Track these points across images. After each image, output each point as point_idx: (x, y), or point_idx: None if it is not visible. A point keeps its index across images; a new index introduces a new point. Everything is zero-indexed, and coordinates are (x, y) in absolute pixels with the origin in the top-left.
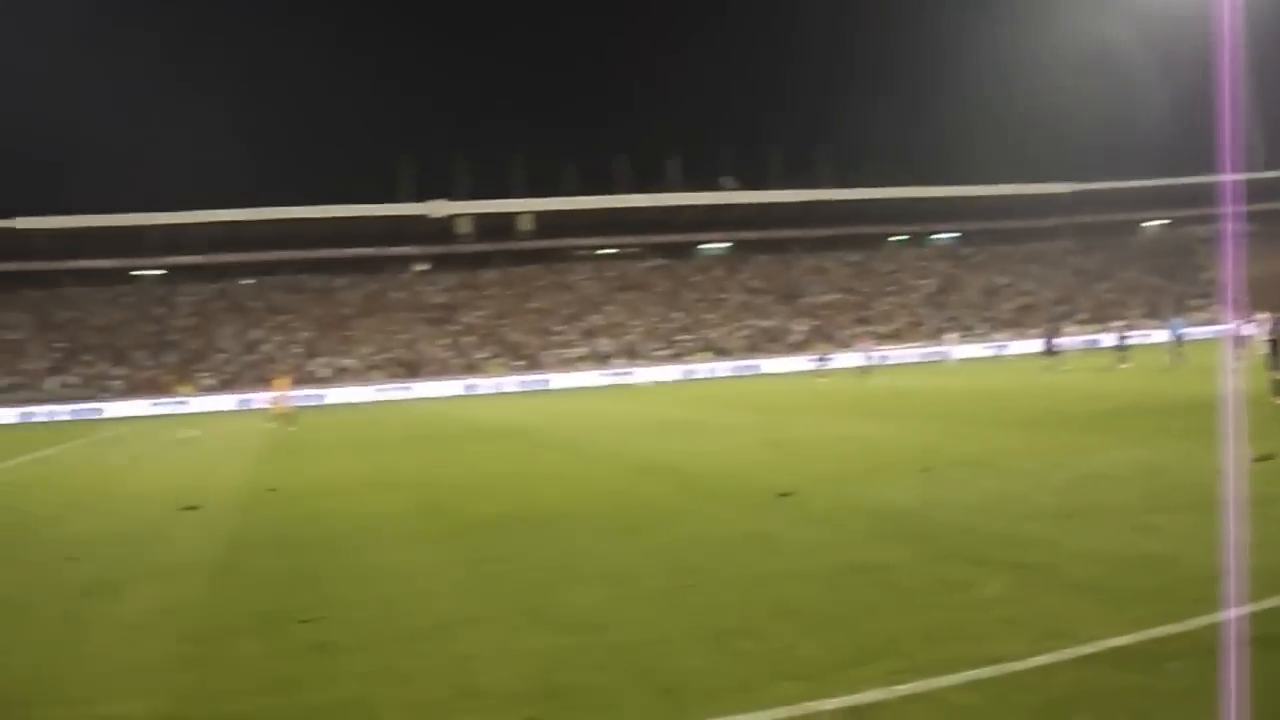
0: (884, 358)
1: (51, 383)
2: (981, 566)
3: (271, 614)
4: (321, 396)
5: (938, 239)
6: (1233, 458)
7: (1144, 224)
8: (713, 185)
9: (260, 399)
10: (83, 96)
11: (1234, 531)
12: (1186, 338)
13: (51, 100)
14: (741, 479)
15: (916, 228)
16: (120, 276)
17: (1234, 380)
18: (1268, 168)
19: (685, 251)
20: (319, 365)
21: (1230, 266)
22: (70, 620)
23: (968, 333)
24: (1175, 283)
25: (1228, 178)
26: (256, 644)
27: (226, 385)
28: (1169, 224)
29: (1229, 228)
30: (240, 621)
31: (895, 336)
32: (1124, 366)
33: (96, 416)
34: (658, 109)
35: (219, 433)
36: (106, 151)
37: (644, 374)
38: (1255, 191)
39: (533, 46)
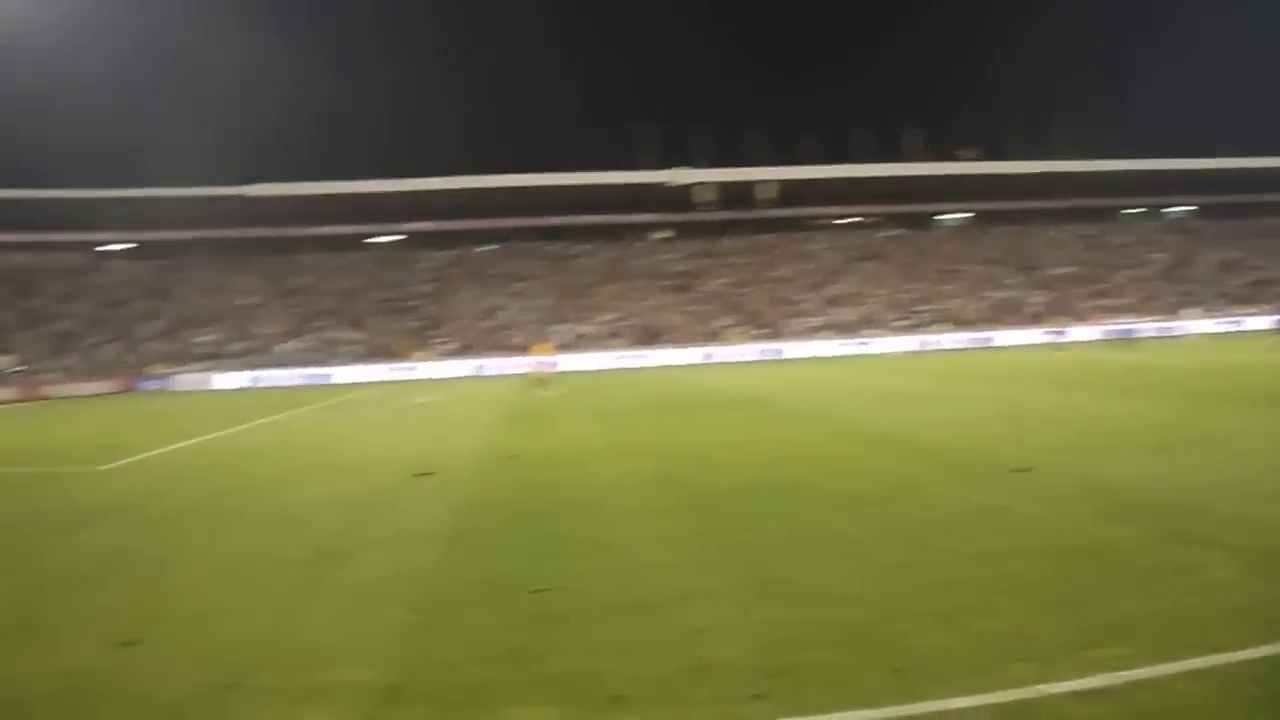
0: (1127, 331)
1: (285, 347)
2: (1212, 549)
3: (502, 583)
4: (557, 364)
5: (1172, 212)
6: None
7: None
8: (952, 155)
9: (516, 364)
10: (315, 65)
11: None
12: None
13: (287, 69)
14: (975, 452)
15: (1152, 200)
16: (355, 243)
17: None
18: None
19: (923, 221)
20: (558, 332)
21: None
22: (298, 586)
23: (1205, 308)
24: None
25: None
26: (486, 613)
27: (463, 351)
28: None
29: None
30: (470, 590)
31: (1129, 310)
32: None
33: (329, 381)
34: (897, 78)
35: (455, 398)
36: (338, 120)
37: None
38: None
39: (775, 14)
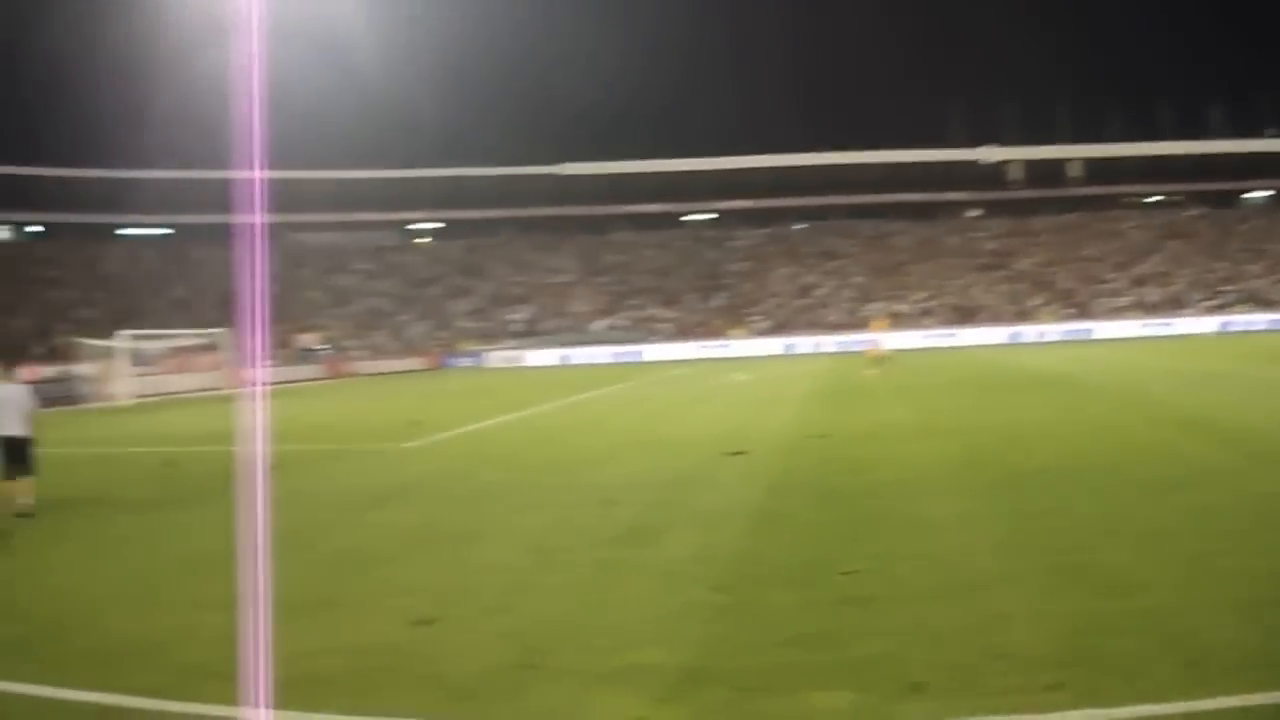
0: None
1: (598, 325)
2: None
3: (809, 564)
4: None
5: None
6: None
7: None
8: (1258, 133)
9: (830, 342)
10: (624, 43)
11: None
12: None
13: (597, 47)
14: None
15: None
16: (668, 220)
17: None
18: None
19: (1229, 200)
20: (872, 310)
21: None
22: (602, 566)
23: None
24: None
25: None
26: (791, 595)
27: (778, 329)
28: None
29: None
30: (776, 572)
31: None
32: None
33: (641, 359)
34: (1200, 54)
35: (767, 377)
36: (652, 100)
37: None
38: None
39: None
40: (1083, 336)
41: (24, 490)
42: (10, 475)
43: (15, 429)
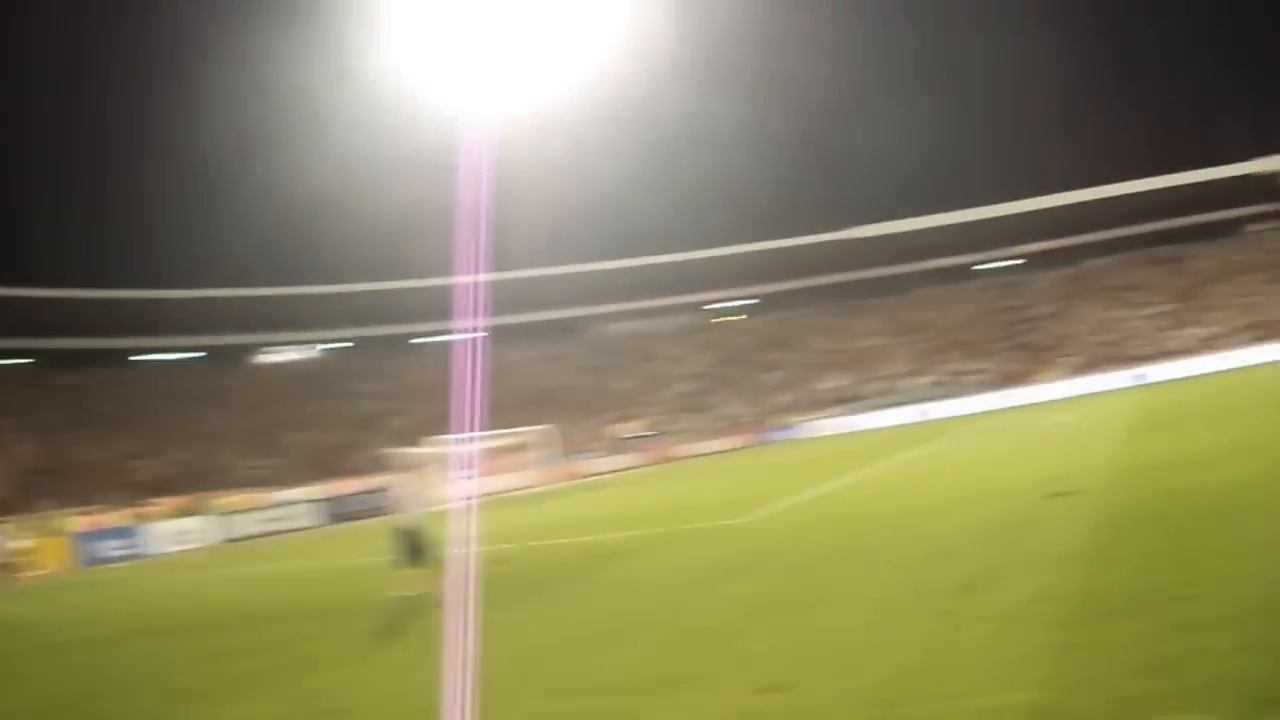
0: None
1: (912, 384)
2: None
3: (1147, 593)
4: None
5: None
6: None
7: None
8: None
9: (1141, 374)
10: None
11: None
12: None
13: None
14: None
15: None
16: (966, 272)
17: None
18: None
19: None
20: (1176, 337)
21: None
22: (944, 616)
23: None
24: None
25: None
26: (1133, 625)
27: (1087, 367)
28: None
29: None
30: (1114, 604)
31: None
32: None
33: (959, 412)
34: None
35: (1085, 416)
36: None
37: None
38: None
39: None
40: None
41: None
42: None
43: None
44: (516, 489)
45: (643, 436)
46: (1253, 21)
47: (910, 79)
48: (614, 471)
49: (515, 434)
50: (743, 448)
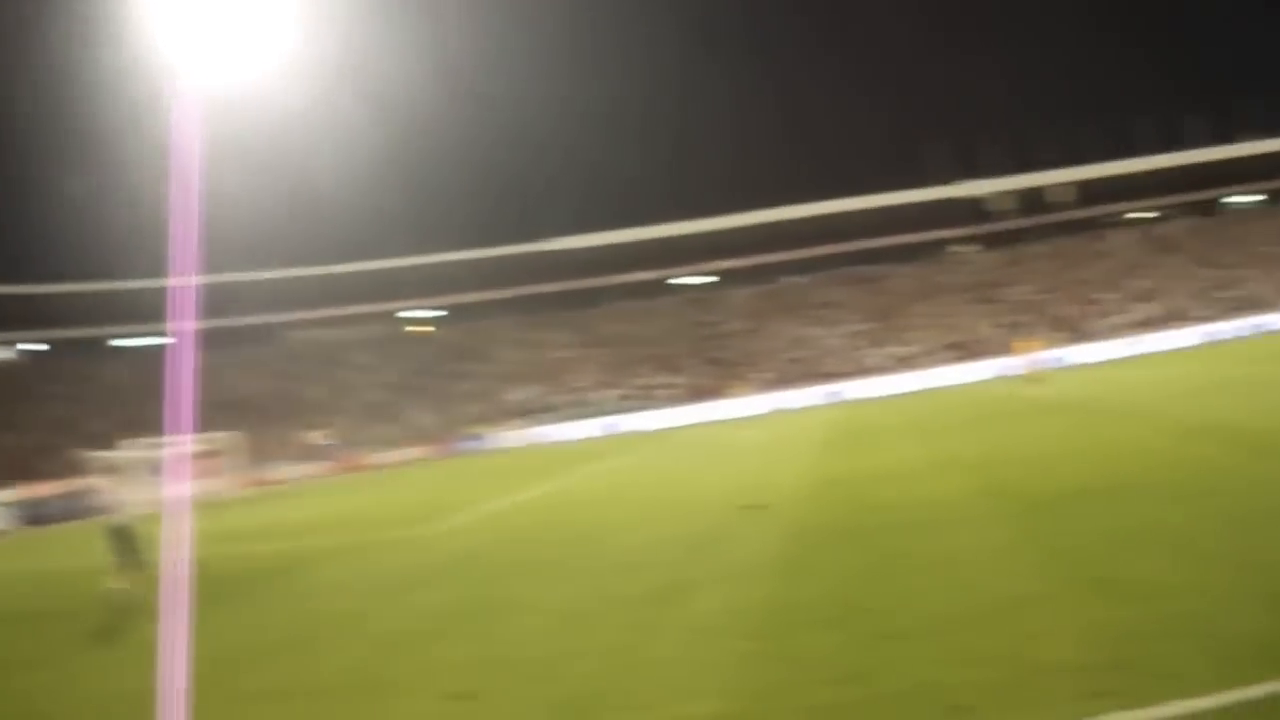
0: None
1: (602, 397)
2: None
3: (839, 605)
4: (871, 386)
5: None
6: None
7: None
8: (1237, 138)
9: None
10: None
11: None
12: None
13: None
14: None
15: None
16: (661, 287)
17: None
18: None
19: (1215, 207)
20: (873, 355)
21: None
22: (634, 627)
23: None
24: None
25: None
26: (825, 636)
27: (779, 383)
28: None
29: None
30: (808, 615)
31: None
32: None
33: (650, 426)
34: (1175, 66)
35: (777, 430)
36: (634, 166)
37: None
38: None
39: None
40: (1088, 360)
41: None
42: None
43: None
44: (206, 495)
45: (331, 445)
46: (961, 48)
47: (609, 93)
48: (303, 479)
49: (204, 440)
50: (432, 458)
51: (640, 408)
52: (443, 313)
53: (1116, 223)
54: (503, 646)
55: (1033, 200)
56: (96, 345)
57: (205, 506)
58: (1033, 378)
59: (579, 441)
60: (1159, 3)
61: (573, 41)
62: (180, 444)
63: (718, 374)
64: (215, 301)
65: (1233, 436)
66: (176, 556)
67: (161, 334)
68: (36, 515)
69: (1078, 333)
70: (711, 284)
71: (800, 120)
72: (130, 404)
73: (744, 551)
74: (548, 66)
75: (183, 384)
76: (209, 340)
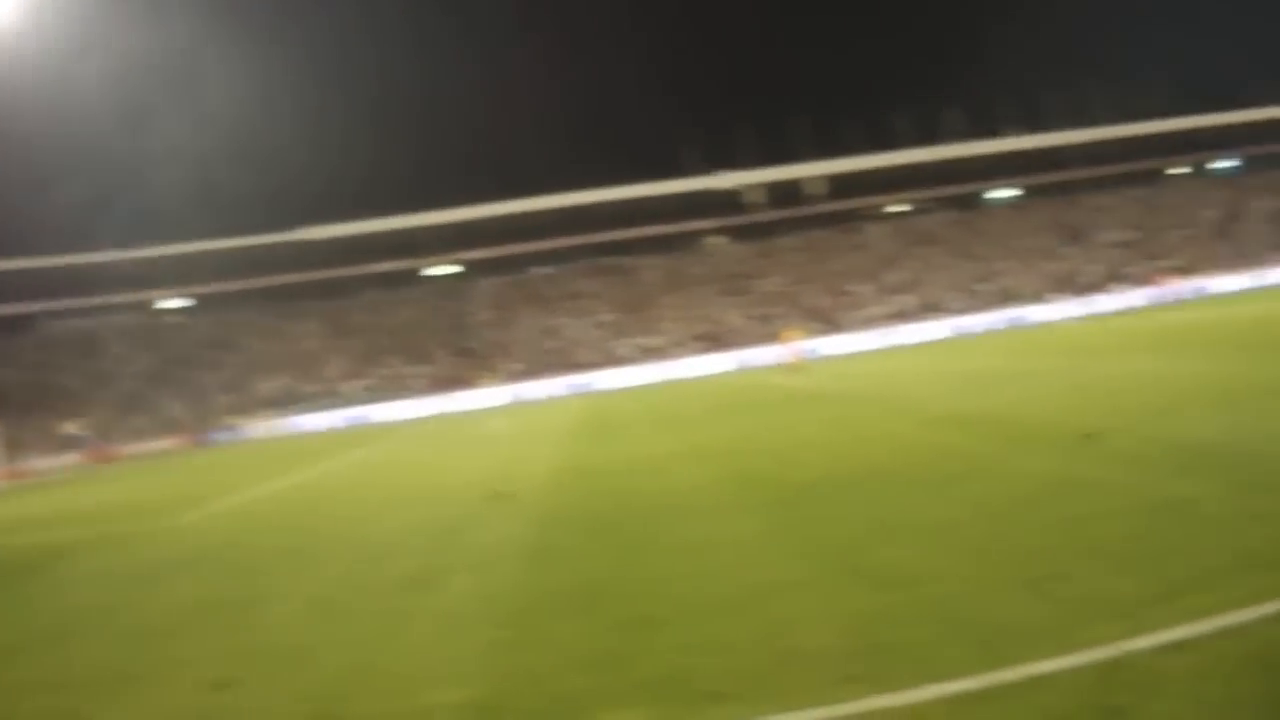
0: (1182, 291)
1: (352, 387)
2: None
3: (589, 592)
4: (623, 377)
5: (1220, 167)
6: None
7: None
8: (996, 133)
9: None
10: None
11: None
12: None
13: (327, 108)
14: (1047, 424)
15: (1198, 157)
16: (412, 277)
17: None
18: None
19: (973, 201)
20: (623, 346)
21: None
22: (387, 615)
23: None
24: None
25: None
26: (575, 623)
27: (529, 374)
28: None
29: None
30: (557, 602)
31: (1185, 270)
32: None
33: (400, 416)
34: (935, 60)
35: (526, 420)
36: (386, 155)
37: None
38: None
39: (805, 8)
40: (843, 350)
41: None
42: None
43: None
44: None
45: (86, 436)
46: (718, 39)
47: (359, 81)
48: (58, 471)
49: None
50: (184, 448)
51: (390, 398)
52: (191, 302)
53: (874, 216)
54: (257, 636)
55: (788, 193)
56: None
57: None
58: (796, 367)
59: (330, 431)
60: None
61: (321, 30)
62: None
63: (467, 364)
64: None
65: (985, 427)
66: None
67: None
68: None
69: (830, 324)
70: (461, 274)
71: (553, 110)
72: None
73: (493, 539)
74: (295, 55)
75: None
76: None
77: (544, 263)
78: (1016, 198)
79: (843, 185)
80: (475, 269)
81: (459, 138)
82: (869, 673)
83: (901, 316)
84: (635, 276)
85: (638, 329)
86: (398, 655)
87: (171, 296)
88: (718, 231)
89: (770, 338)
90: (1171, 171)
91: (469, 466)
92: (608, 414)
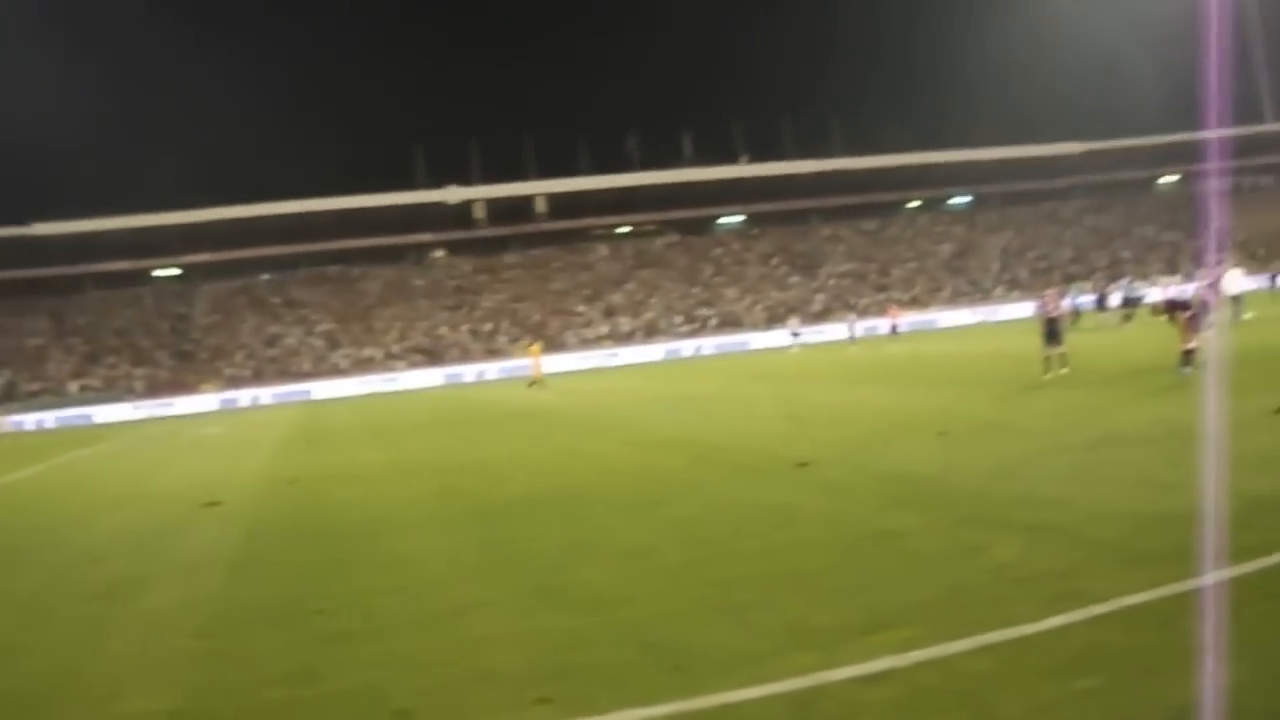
0: (908, 324)
1: (72, 387)
2: (997, 530)
3: (289, 605)
4: (337, 388)
5: (953, 204)
6: (1243, 412)
7: (1159, 180)
8: (727, 159)
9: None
10: (89, 97)
11: (1246, 486)
12: (1137, 300)
13: (57, 103)
14: (758, 451)
15: (931, 193)
16: (139, 278)
17: (1233, 335)
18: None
19: (702, 226)
20: (341, 356)
21: (1219, 222)
22: (89, 621)
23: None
24: (1194, 237)
25: (1218, 133)
26: (274, 635)
27: (249, 380)
28: (1181, 179)
29: (1216, 183)
30: (257, 613)
31: (913, 303)
32: (1128, 325)
33: (117, 419)
34: (669, 85)
35: (241, 428)
36: (118, 153)
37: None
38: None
39: (538, 27)
40: (564, 369)
41: None
42: None
43: None
44: None
45: None
46: (456, 57)
47: (91, 78)
48: None
49: None
50: None
51: (111, 399)
52: None
53: (602, 236)
54: None
55: (517, 210)
56: None
57: None
58: (535, 381)
59: (50, 431)
60: (653, 25)
61: (52, 21)
62: None
63: (188, 368)
64: None
65: (696, 451)
66: None
67: None
68: None
69: (550, 343)
70: (186, 277)
71: (284, 118)
72: None
73: (200, 547)
74: (25, 51)
75: None
76: None
77: (269, 269)
78: (746, 224)
79: (571, 205)
80: (199, 272)
81: (188, 140)
82: (560, 694)
83: (622, 338)
84: (358, 287)
85: (357, 340)
86: (100, 661)
87: None
88: (443, 245)
89: (490, 354)
90: (907, 206)
91: (182, 472)
92: (322, 424)
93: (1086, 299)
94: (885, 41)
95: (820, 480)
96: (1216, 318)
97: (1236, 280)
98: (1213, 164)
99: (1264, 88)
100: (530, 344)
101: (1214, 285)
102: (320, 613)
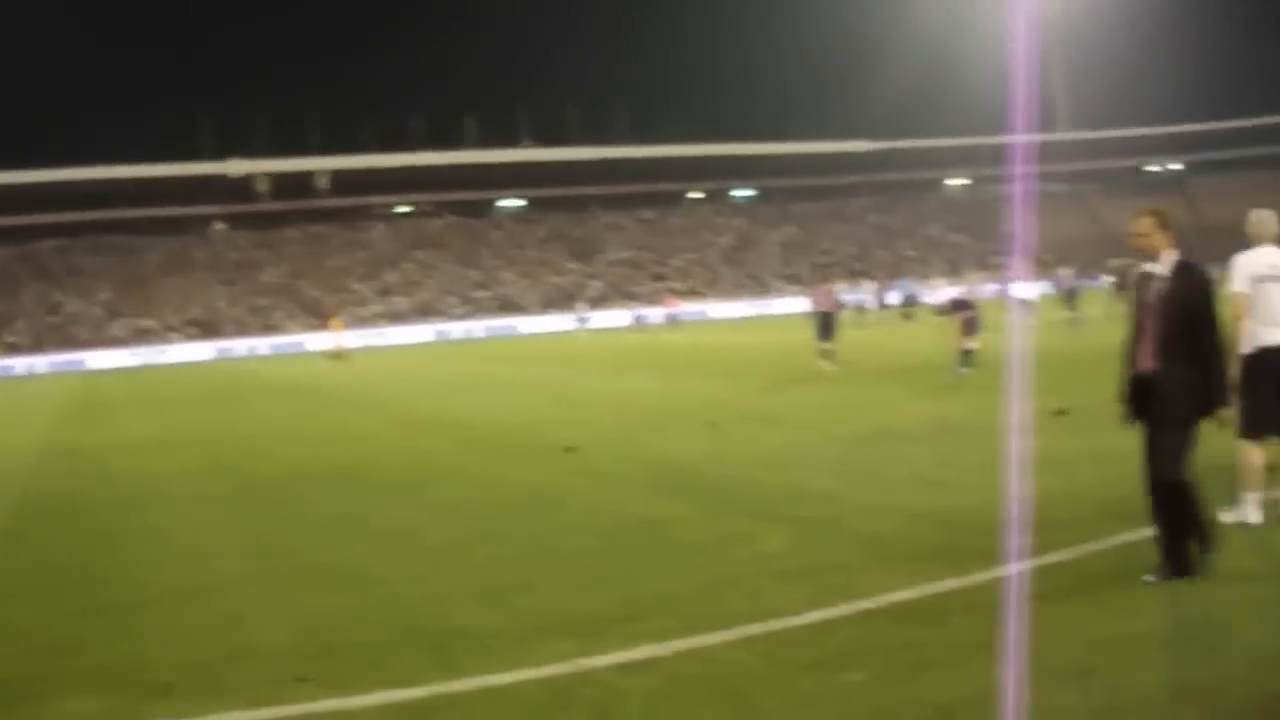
0: (680, 314)
1: None
2: (763, 521)
3: (52, 576)
4: (109, 359)
5: (736, 196)
6: (1021, 413)
7: (946, 182)
8: (509, 142)
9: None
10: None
11: (1020, 486)
12: (917, 299)
13: None
14: (527, 434)
15: (715, 184)
16: None
17: (1024, 337)
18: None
19: (482, 209)
20: (119, 326)
21: (1022, 226)
22: None
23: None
24: (980, 240)
25: (1009, 138)
26: (34, 607)
27: (28, 348)
28: (972, 183)
29: (1020, 188)
30: (18, 585)
31: (689, 294)
32: (909, 324)
33: None
34: (455, 66)
35: (13, 396)
36: None
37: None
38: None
39: (329, 3)
40: (335, 346)
41: None
42: None
43: None
44: None
45: None
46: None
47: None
48: None
49: None
50: None
51: None
52: None
53: (381, 215)
54: None
55: (297, 185)
56: None
57: None
58: (338, 354)
59: None
60: (445, 7)
61: None
62: None
63: None
64: None
65: (464, 432)
66: None
67: None
68: None
69: (326, 321)
70: None
71: (68, 82)
72: None
73: None
74: None
75: None
76: None
77: (50, 236)
78: (525, 209)
79: (354, 183)
80: None
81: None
82: (320, 673)
83: (397, 317)
84: (138, 257)
85: (135, 310)
86: None
87: None
88: (224, 218)
89: (267, 329)
90: (688, 196)
91: None
92: (97, 395)
93: (867, 296)
94: (679, 32)
95: (587, 465)
96: (993, 320)
97: (1025, 285)
98: (1005, 169)
99: (1059, 96)
100: (335, 318)
101: (996, 288)
102: (82, 584)
